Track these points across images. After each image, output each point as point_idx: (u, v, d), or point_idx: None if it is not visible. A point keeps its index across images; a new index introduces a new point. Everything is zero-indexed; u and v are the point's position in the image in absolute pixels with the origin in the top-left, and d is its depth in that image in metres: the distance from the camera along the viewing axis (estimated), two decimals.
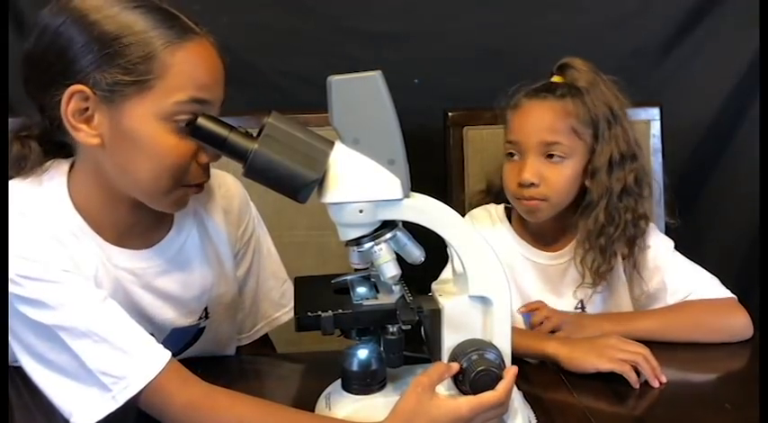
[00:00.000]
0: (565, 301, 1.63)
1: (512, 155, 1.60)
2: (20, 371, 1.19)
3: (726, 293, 1.56)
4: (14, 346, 1.17)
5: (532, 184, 1.54)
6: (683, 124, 2.06)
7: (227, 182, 1.46)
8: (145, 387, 1.12)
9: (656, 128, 1.94)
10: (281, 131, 1.10)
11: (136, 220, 1.28)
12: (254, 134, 1.12)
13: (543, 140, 1.54)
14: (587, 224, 1.56)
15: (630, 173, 1.57)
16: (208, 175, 1.24)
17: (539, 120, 1.55)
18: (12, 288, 1.13)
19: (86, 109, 1.16)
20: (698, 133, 2.13)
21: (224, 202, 1.44)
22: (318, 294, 1.21)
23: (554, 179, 1.55)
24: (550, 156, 1.55)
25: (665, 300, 1.57)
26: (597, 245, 1.55)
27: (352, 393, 1.19)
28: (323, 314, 1.13)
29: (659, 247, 1.60)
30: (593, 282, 1.58)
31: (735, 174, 2.12)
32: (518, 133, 1.59)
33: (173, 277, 1.34)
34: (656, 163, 1.93)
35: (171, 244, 1.34)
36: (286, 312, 1.57)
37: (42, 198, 1.22)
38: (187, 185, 1.22)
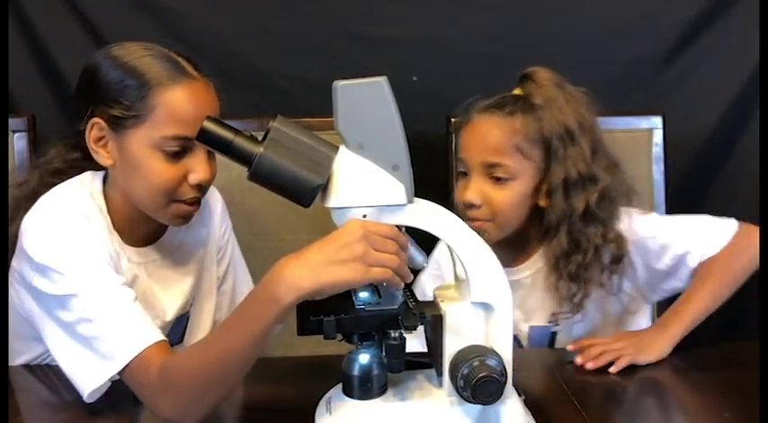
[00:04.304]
0: (535, 317, 1.60)
1: (463, 172, 1.55)
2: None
3: (728, 227, 1.55)
4: (40, 326, 1.33)
5: (473, 205, 1.50)
6: (685, 133, 2.06)
7: (212, 190, 1.61)
8: (135, 357, 1.23)
9: (658, 136, 1.95)
10: (286, 136, 1.10)
11: (145, 227, 1.47)
12: (259, 138, 1.12)
13: (486, 161, 1.49)
14: (552, 249, 1.52)
15: (593, 194, 1.50)
16: (200, 192, 1.40)
17: (483, 138, 1.49)
18: (38, 275, 1.30)
19: (103, 137, 1.38)
20: (700, 142, 2.13)
21: (211, 207, 1.62)
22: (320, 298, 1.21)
23: (498, 201, 1.50)
24: (495, 176, 1.49)
25: (688, 263, 1.54)
26: (567, 272, 1.51)
27: (352, 398, 1.19)
28: (325, 318, 1.13)
29: (650, 231, 1.56)
30: (570, 311, 1.53)
31: (736, 182, 2.13)
32: (465, 151, 1.54)
33: (169, 271, 1.51)
34: (657, 171, 1.94)
35: (171, 239, 1.52)
36: None
37: (82, 194, 1.41)
38: (180, 201, 1.39)
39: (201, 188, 1.40)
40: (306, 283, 1.08)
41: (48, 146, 1.50)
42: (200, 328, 1.59)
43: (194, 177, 1.37)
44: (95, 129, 1.38)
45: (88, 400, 1.28)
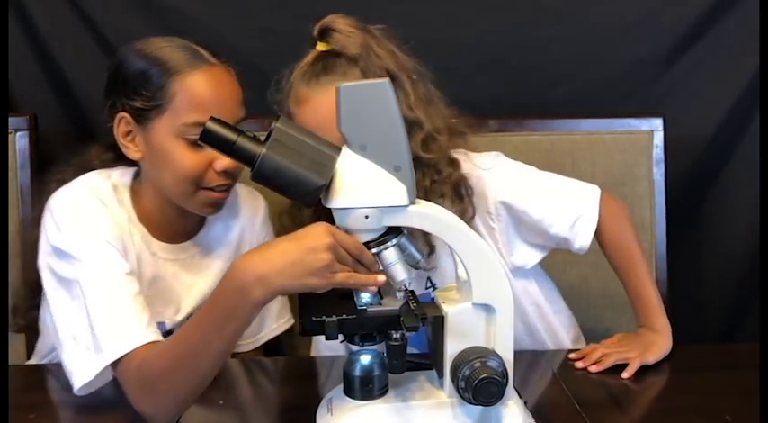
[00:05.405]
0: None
1: None
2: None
3: (591, 198, 1.55)
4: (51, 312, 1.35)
5: None
6: (686, 135, 2.06)
7: (257, 196, 1.62)
8: (123, 355, 1.23)
9: (658, 138, 1.94)
10: (289, 136, 1.10)
11: (180, 222, 1.49)
12: (262, 138, 1.13)
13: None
14: None
15: (417, 138, 1.44)
16: (229, 179, 1.40)
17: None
18: (52, 255, 1.33)
19: (130, 131, 1.41)
20: (700, 144, 2.13)
21: (251, 211, 1.60)
22: (322, 299, 1.21)
23: None
24: None
25: (567, 217, 1.53)
26: None
27: (354, 399, 1.19)
28: (327, 319, 1.13)
29: (522, 195, 1.53)
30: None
31: (736, 184, 2.12)
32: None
33: (201, 265, 1.52)
34: (658, 173, 1.94)
35: (204, 237, 1.53)
36: (283, 323, 1.66)
37: (104, 183, 1.43)
38: (208, 188, 1.39)
39: (229, 175, 1.40)
40: (273, 284, 1.10)
41: (89, 146, 1.54)
42: None
43: (220, 164, 1.37)
44: (122, 123, 1.41)
45: (78, 393, 1.29)
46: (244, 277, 1.11)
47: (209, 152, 1.35)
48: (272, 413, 1.36)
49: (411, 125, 1.42)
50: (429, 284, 1.56)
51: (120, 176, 1.47)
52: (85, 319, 1.28)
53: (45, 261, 1.36)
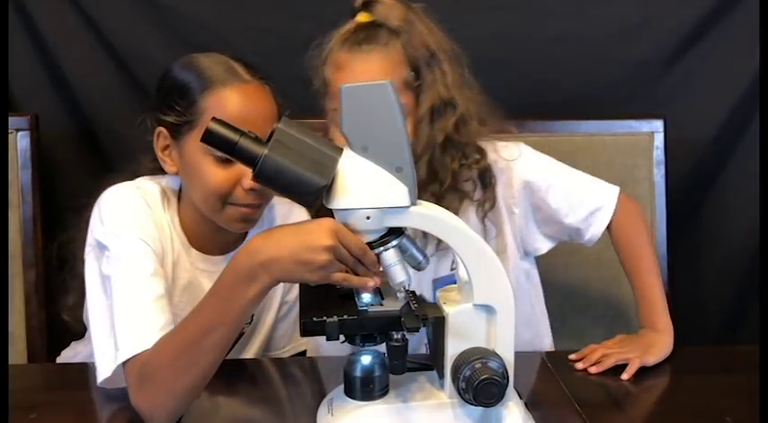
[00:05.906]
0: (436, 269, 1.52)
1: None
2: None
3: (610, 195, 1.57)
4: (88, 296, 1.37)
5: None
6: (687, 136, 2.06)
7: (299, 213, 1.56)
8: (132, 356, 1.22)
9: (659, 140, 1.95)
10: (291, 137, 1.11)
11: (216, 236, 1.47)
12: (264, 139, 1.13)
13: None
14: None
15: (451, 120, 1.44)
16: (257, 198, 1.38)
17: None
18: (96, 249, 1.36)
19: (168, 146, 1.43)
20: (701, 145, 2.13)
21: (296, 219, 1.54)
22: (323, 300, 1.21)
23: None
24: None
25: (580, 211, 1.57)
26: None
27: (354, 399, 1.19)
28: (328, 319, 1.13)
29: (544, 178, 1.56)
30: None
31: (737, 185, 2.13)
32: None
33: None
34: (658, 175, 1.94)
35: None
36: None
37: (153, 185, 1.45)
38: (236, 204, 1.38)
39: (257, 193, 1.37)
40: (275, 272, 1.13)
41: (142, 155, 1.54)
42: (256, 340, 1.58)
43: (247, 182, 1.35)
44: (161, 138, 1.43)
45: (100, 385, 1.29)
46: (251, 262, 1.13)
47: (238, 169, 1.34)
48: (272, 413, 1.36)
49: (446, 105, 1.44)
50: (455, 265, 1.52)
51: (170, 182, 1.48)
52: (112, 315, 1.28)
53: (88, 253, 1.38)
